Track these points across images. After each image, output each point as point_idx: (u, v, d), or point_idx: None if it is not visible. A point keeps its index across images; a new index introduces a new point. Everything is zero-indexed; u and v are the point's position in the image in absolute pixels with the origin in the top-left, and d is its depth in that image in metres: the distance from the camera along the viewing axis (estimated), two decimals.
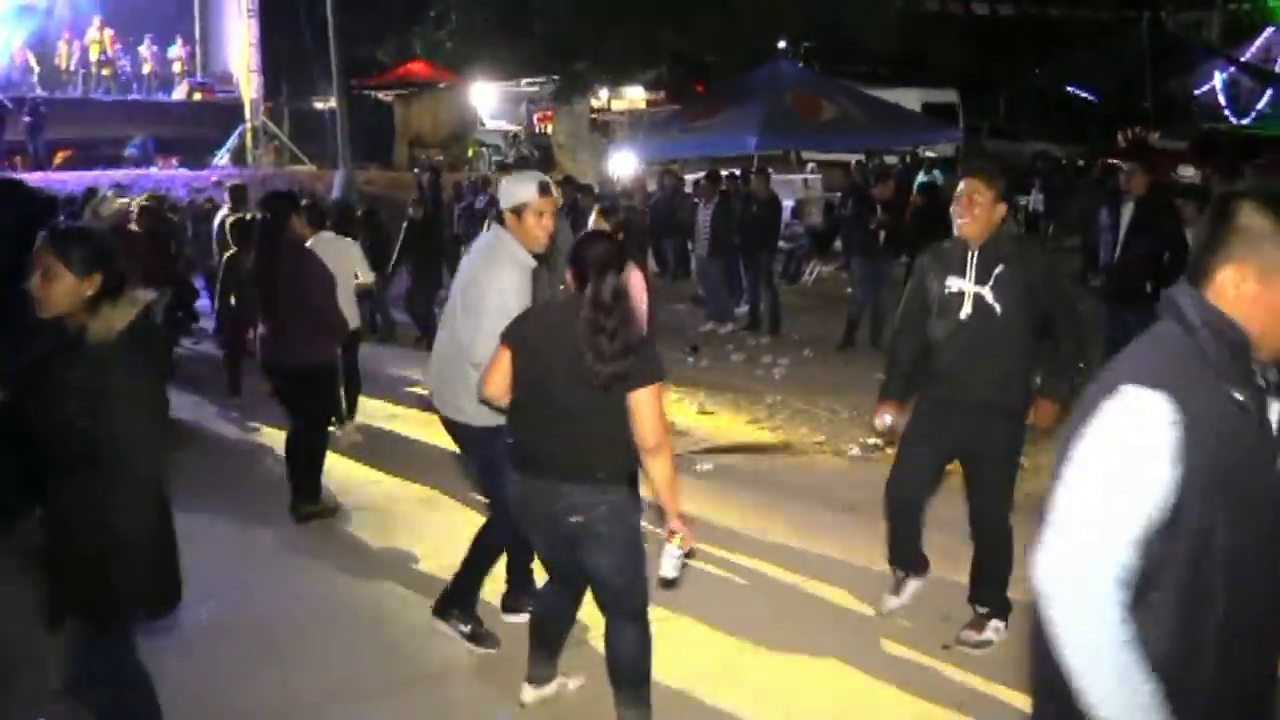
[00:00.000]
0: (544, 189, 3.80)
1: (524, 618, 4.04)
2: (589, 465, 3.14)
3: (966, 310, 3.90)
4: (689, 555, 3.25)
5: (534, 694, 3.71)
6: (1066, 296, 4.04)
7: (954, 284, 3.93)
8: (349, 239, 7.45)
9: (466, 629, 4.15)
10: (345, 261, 6.97)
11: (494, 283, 3.76)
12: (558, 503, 3.16)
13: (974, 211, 3.86)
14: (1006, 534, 4.05)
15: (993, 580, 4.12)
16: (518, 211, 3.79)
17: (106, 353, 2.73)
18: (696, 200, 12.70)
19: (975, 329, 3.89)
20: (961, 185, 3.95)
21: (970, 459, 4.09)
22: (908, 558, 4.40)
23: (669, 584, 3.38)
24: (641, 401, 3.05)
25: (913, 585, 4.46)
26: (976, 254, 3.89)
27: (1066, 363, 4.00)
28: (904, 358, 4.20)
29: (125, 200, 9.47)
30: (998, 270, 3.85)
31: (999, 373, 3.88)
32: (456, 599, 4.18)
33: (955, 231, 3.97)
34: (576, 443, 3.14)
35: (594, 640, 4.05)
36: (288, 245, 5.80)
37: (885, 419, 4.24)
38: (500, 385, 3.27)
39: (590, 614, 3.95)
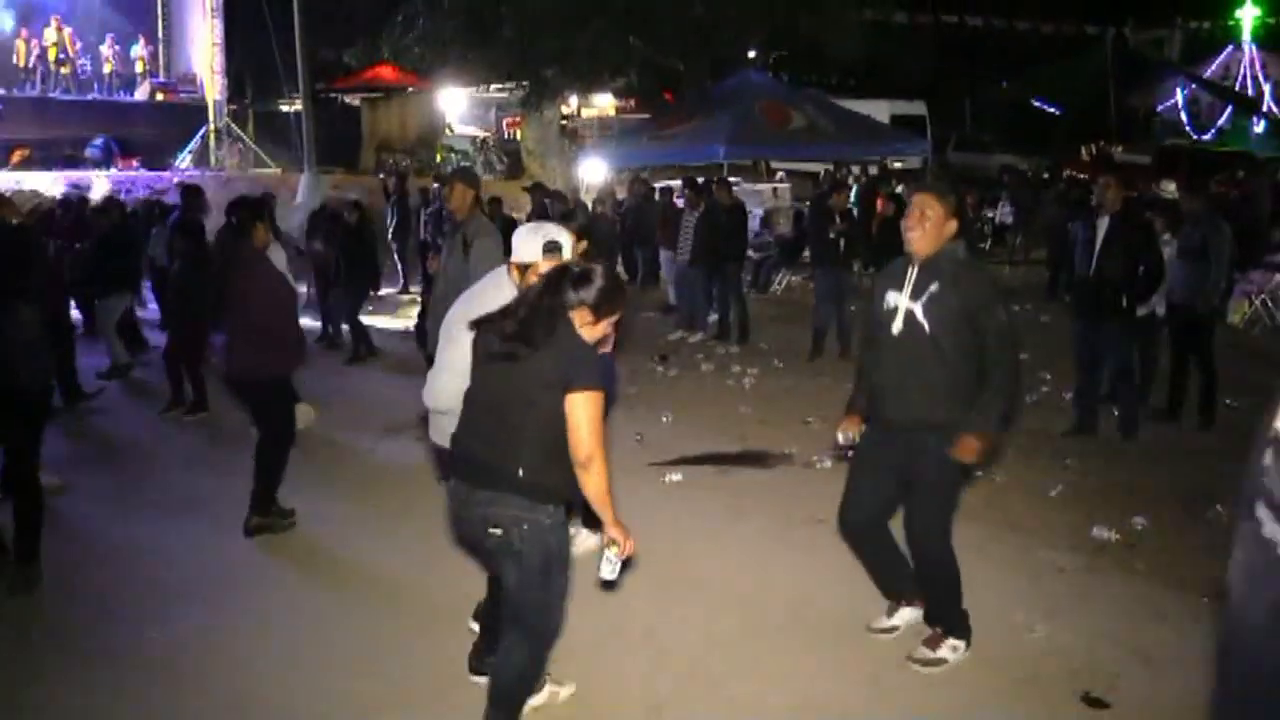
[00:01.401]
0: (550, 250, 3.61)
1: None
2: (512, 462, 3.10)
3: (898, 326, 3.85)
4: (626, 562, 3.29)
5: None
6: (1002, 327, 3.80)
7: (891, 299, 3.88)
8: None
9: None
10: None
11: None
12: (478, 510, 3.17)
13: (924, 226, 3.82)
14: (942, 562, 3.96)
15: (942, 601, 4.05)
16: (521, 269, 3.63)
17: None
18: (679, 207, 12.58)
19: (905, 346, 3.83)
20: (914, 199, 3.93)
21: (905, 481, 3.97)
22: (889, 585, 4.27)
23: (609, 585, 3.51)
24: (573, 406, 3.05)
25: (906, 613, 4.25)
26: (917, 270, 3.84)
27: (992, 395, 3.78)
28: (867, 373, 4.11)
29: (52, 196, 9.26)
30: (932, 288, 3.78)
31: (928, 392, 3.78)
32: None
33: (905, 245, 3.92)
34: (502, 435, 3.13)
35: (586, 649, 3.97)
36: (248, 255, 5.66)
37: (847, 435, 4.14)
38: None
39: (581, 623, 3.87)
